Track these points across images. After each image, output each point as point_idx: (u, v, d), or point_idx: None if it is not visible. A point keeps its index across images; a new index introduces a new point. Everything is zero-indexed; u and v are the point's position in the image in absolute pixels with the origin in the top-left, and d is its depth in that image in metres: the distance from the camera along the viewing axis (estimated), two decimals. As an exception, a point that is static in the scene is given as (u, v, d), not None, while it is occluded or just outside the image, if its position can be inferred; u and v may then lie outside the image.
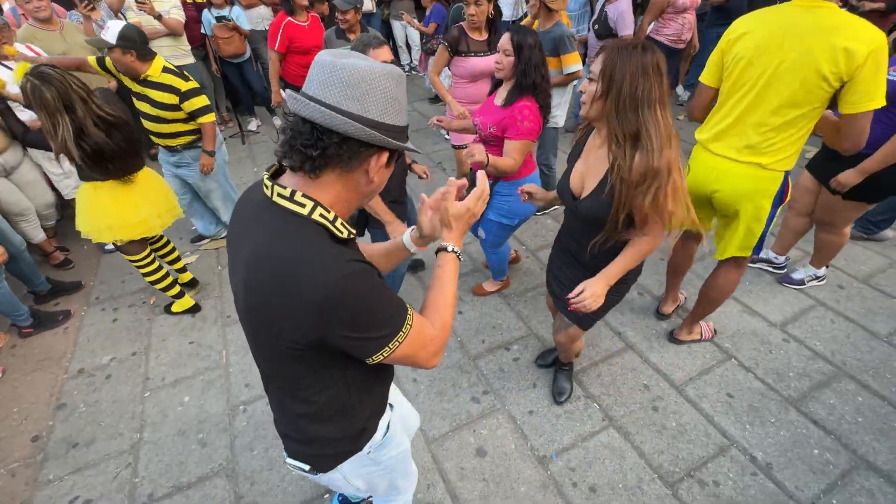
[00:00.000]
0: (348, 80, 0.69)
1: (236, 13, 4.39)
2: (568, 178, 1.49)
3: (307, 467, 1.01)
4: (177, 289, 2.62)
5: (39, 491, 1.86)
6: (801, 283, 2.59)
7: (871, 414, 1.96)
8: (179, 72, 2.49)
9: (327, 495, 1.80)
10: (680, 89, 5.21)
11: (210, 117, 2.56)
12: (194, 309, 2.69)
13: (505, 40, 1.86)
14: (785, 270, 2.70)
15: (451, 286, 0.93)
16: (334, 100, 0.70)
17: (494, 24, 2.66)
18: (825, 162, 2.22)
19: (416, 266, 2.87)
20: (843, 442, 1.86)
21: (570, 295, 1.43)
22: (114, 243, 2.34)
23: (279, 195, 0.75)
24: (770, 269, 2.72)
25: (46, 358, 2.45)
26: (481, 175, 0.96)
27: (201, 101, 2.49)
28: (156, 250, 2.59)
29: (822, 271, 2.57)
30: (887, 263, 2.76)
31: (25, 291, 2.75)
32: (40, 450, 2.01)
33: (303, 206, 0.74)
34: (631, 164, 1.21)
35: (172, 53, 4.16)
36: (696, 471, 1.80)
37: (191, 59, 4.33)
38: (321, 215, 0.75)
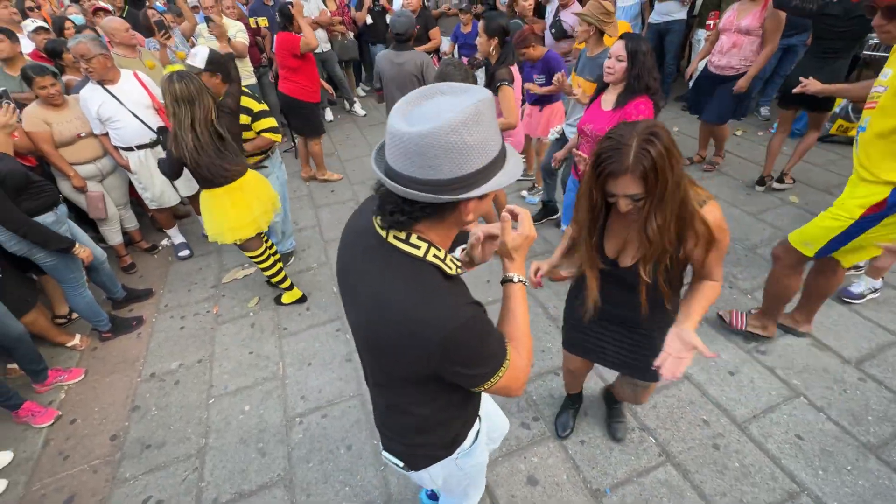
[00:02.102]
0: (417, 150, 0.68)
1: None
2: (602, 248, 1.36)
3: (402, 464, 1.12)
4: (288, 281, 2.87)
5: (117, 488, 2.01)
6: (862, 296, 2.51)
7: (965, 468, 1.79)
8: (252, 93, 2.67)
9: (380, 513, 1.84)
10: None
11: (274, 137, 2.73)
12: (303, 300, 2.94)
13: (619, 46, 1.96)
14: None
15: (525, 315, 0.97)
16: (407, 170, 0.71)
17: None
18: None
19: None
20: (932, 497, 1.71)
21: (658, 363, 1.21)
22: (234, 242, 2.55)
23: (395, 237, 0.80)
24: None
25: (122, 361, 2.66)
26: (512, 208, 0.99)
27: (269, 122, 2.69)
28: (261, 262, 2.78)
29: (879, 282, 2.50)
30: (981, 297, 2.52)
31: (104, 297, 2.99)
32: (118, 449, 2.18)
33: (418, 248, 0.80)
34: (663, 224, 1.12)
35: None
36: (762, 517, 1.70)
37: (253, 80, 4.61)
38: (434, 255, 0.81)
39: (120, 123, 2.86)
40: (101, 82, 2.83)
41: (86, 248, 2.42)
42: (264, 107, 2.68)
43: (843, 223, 1.84)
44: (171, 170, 2.33)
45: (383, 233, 0.82)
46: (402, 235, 0.80)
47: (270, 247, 2.85)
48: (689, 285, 1.36)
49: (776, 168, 3.62)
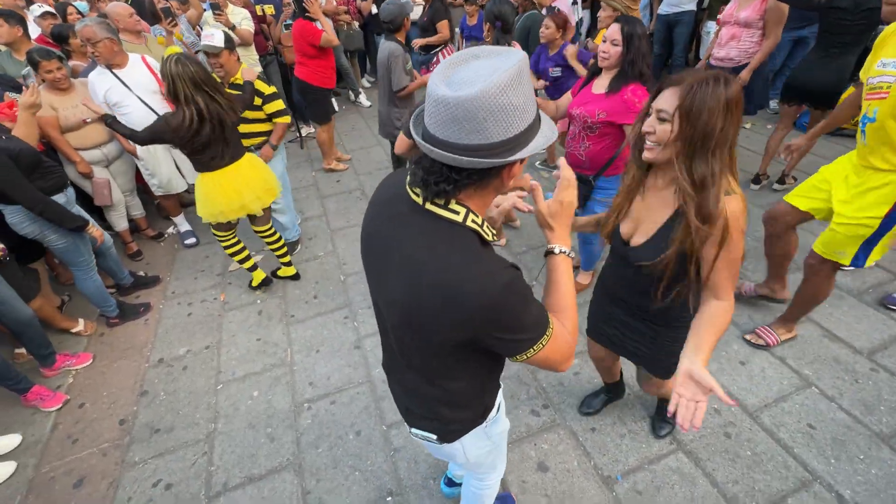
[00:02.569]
0: (464, 115, 0.67)
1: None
2: (618, 226, 1.34)
3: (434, 437, 1.10)
4: (252, 262, 2.87)
5: (127, 472, 2.01)
6: None
7: (978, 458, 1.78)
8: (262, 76, 2.67)
9: (390, 498, 1.83)
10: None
11: (286, 119, 2.76)
12: (266, 282, 2.96)
13: (614, 30, 1.88)
14: None
15: (571, 287, 0.94)
16: (453, 136, 0.69)
17: None
18: None
19: None
20: (945, 486, 1.70)
21: (671, 408, 1.06)
22: (212, 225, 2.60)
23: (434, 203, 0.78)
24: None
25: (130, 347, 2.65)
26: (563, 162, 0.96)
27: (279, 104, 2.71)
28: (265, 237, 2.85)
29: None
30: None
31: (110, 284, 2.99)
32: (127, 433, 2.18)
33: (457, 213, 0.78)
34: (698, 210, 1.09)
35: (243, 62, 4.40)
36: (774, 505, 1.70)
37: (258, 68, 4.57)
38: (473, 220, 0.79)
39: (127, 109, 2.85)
40: (109, 67, 2.81)
41: (98, 227, 2.41)
42: (274, 89, 2.69)
43: (873, 225, 1.81)
44: (148, 133, 2.26)
45: (419, 199, 0.80)
46: (441, 201, 0.78)
47: (278, 241, 2.87)
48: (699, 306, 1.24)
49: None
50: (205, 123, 2.19)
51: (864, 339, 2.29)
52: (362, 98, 6.05)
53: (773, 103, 4.76)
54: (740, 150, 4.14)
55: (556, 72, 3.03)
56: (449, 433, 1.09)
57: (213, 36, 2.44)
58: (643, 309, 1.42)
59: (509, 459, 1.91)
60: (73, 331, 2.71)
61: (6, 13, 3.07)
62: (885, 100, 1.63)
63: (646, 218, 1.27)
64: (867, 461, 1.80)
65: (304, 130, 5.41)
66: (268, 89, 2.66)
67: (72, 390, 2.41)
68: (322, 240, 3.47)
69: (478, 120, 0.67)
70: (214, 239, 3.32)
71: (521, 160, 0.75)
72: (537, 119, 0.76)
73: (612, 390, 2.06)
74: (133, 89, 2.84)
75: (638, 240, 1.29)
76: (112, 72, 2.81)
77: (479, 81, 0.66)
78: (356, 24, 5.70)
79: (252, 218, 2.71)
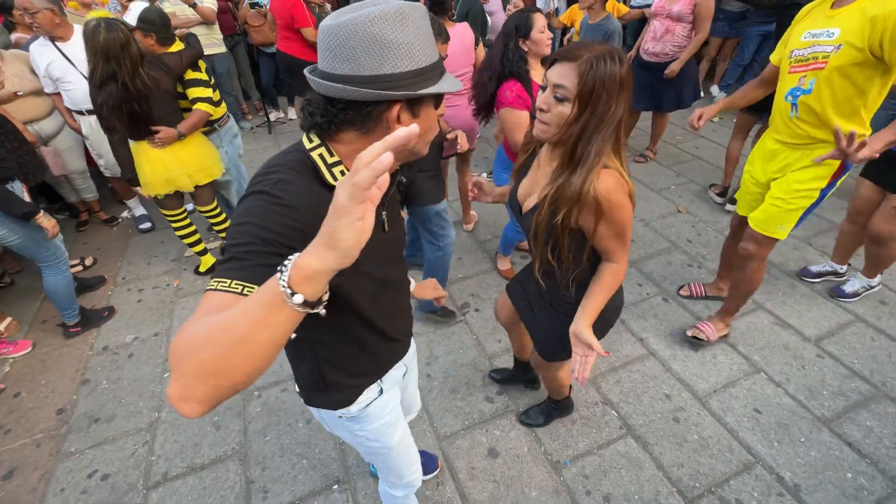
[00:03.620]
0: (335, 42, 0.66)
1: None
2: (516, 192, 1.32)
3: (297, 390, 1.05)
4: (202, 246, 2.82)
5: (61, 462, 1.92)
6: (856, 295, 2.45)
7: (912, 439, 1.83)
8: (205, 68, 2.52)
9: (336, 486, 1.79)
10: (715, 90, 5.06)
11: (204, 106, 2.46)
12: (213, 269, 2.85)
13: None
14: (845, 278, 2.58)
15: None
16: (329, 66, 0.69)
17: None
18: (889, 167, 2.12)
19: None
20: (879, 467, 1.75)
21: (572, 368, 1.20)
22: (154, 198, 2.51)
23: (308, 138, 0.78)
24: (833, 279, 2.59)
25: (75, 335, 2.53)
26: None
27: (202, 91, 2.45)
28: (207, 214, 2.80)
29: (875, 280, 2.44)
30: (936, 280, 2.59)
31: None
32: (64, 423, 2.08)
33: (311, 141, 0.76)
34: (565, 186, 1.05)
35: (206, 42, 4.22)
36: (717, 487, 1.72)
37: (222, 49, 4.40)
38: (320, 155, 0.75)
39: (70, 85, 2.69)
40: (52, 39, 2.65)
41: (50, 217, 2.19)
42: (197, 75, 2.44)
43: (812, 197, 1.81)
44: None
45: (306, 142, 0.77)
46: (316, 139, 0.75)
47: (217, 214, 2.83)
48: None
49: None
50: (114, 88, 2.10)
51: (812, 327, 2.34)
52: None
53: (715, 88, 4.98)
54: (707, 142, 4.20)
55: None
56: (301, 392, 1.04)
57: (130, 12, 2.33)
58: (538, 287, 1.40)
59: (459, 447, 1.89)
60: None
61: None
62: (822, 70, 1.59)
63: (534, 189, 1.22)
64: (808, 444, 1.84)
65: (273, 115, 5.27)
66: (192, 74, 2.43)
67: (7, 379, 2.29)
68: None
69: (349, 48, 0.66)
70: (170, 224, 3.20)
71: (412, 107, 0.72)
72: (435, 70, 0.73)
73: (521, 369, 2.05)
74: (77, 65, 2.68)
75: (527, 206, 1.24)
76: (55, 44, 2.65)
77: (356, 11, 0.66)
78: (328, 6, 5.55)
79: (194, 196, 2.64)
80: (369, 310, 0.90)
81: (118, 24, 2.06)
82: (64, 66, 2.65)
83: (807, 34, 1.64)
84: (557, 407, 1.93)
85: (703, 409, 1.99)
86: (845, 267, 2.57)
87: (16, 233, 2.12)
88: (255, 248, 0.63)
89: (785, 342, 2.27)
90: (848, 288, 2.46)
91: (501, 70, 1.91)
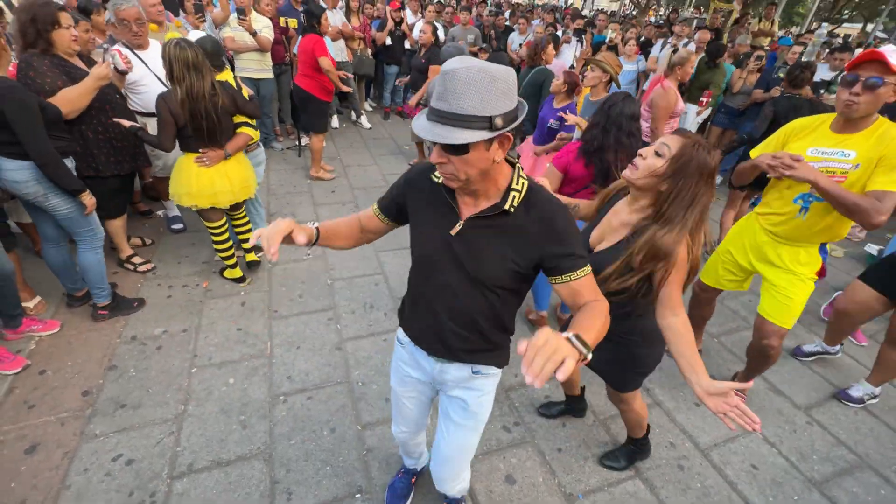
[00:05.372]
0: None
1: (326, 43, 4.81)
2: (589, 232, 1.54)
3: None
4: (234, 260, 2.93)
5: (86, 443, 1.93)
6: (861, 401, 2.46)
7: (893, 508, 1.99)
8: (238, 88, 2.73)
9: (359, 495, 1.85)
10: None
11: (248, 130, 2.73)
12: (241, 280, 2.98)
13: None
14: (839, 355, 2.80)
15: None
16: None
17: None
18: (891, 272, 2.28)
19: None
20: (865, 531, 1.89)
21: (730, 425, 1.11)
22: (198, 211, 2.64)
23: None
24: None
25: (102, 321, 2.58)
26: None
27: (244, 117, 2.72)
28: (233, 219, 2.93)
29: (878, 389, 2.47)
30: (910, 367, 2.84)
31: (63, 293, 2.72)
32: (89, 405, 2.10)
33: None
34: (659, 241, 1.28)
35: (258, 67, 4.57)
36: (719, 534, 1.83)
37: (270, 75, 4.74)
38: None
39: (145, 88, 2.91)
40: (130, 47, 2.89)
41: (91, 196, 2.32)
42: (246, 94, 2.75)
43: (810, 289, 2.07)
44: (161, 132, 2.39)
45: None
46: None
47: (245, 223, 2.99)
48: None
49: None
50: (197, 102, 2.33)
51: (802, 396, 2.54)
52: (363, 120, 6.28)
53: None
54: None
55: (554, 123, 3.32)
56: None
57: (190, 36, 2.58)
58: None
59: (479, 470, 1.98)
60: (24, 304, 2.47)
61: None
62: (842, 182, 1.81)
63: (610, 233, 1.47)
64: (800, 502, 1.98)
65: (305, 140, 5.54)
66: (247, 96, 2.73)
67: (33, 356, 2.31)
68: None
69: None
70: (202, 228, 3.33)
71: None
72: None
73: (571, 403, 2.21)
74: (153, 70, 2.92)
75: (601, 247, 1.47)
76: (134, 52, 2.89)
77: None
78: (369, 51, 6.01)
79: (201, 213, 2.72)
80: (413, 271, 1.24)
81: (192, 44, 2.32)
82: (143, 70, 2.88)
83: (814, 150, 1.90)
84: (638, 448, 2.03)
85: (705, 460, 2.12)
86: (837, 347, 2.79)
87: (67, 203, 2.27)
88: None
89: (778, 407, 2.45)
90: (854, 393, 2.49)
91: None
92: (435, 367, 1.30)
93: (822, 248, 2.06)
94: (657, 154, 1.30)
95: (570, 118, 2.84)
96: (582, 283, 1.04)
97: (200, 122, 2.39)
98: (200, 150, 2.52)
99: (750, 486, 2.03)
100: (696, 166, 1.25)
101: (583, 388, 2.24)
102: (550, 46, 3.93)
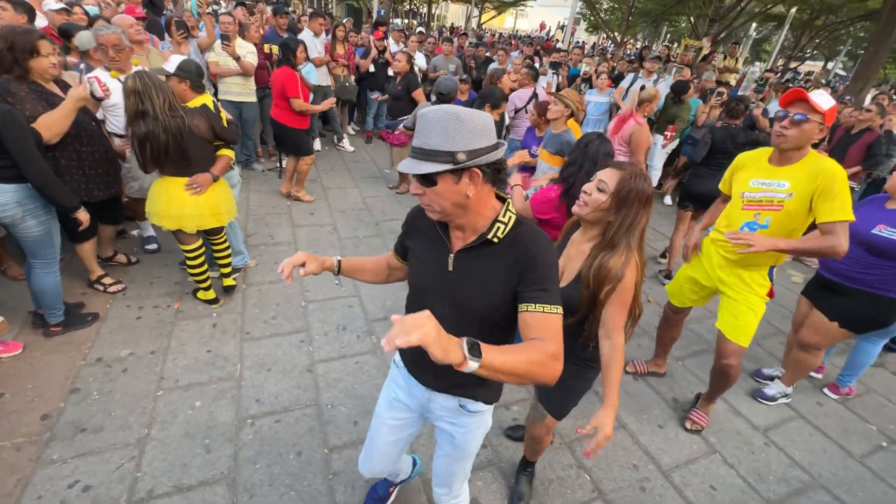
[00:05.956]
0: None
1: (308, 69, 4.93)
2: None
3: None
4: (208, 282, 2.92)
5: (41, 469, 1.89)
6: (774, 399, 2.74)
7: (843, 527, 2.06)
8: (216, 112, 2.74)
9: (322, 520, 1.84)
10: (668, 199, 5.97)
11: (229, 152, 2.77)
12: (214, 301, 2.97)
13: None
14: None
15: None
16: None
17: None
18: (820, 289, 2.53)
19: None
20: (816, 550, 1.95)
21: (584, 431, 1.33)
22: (173, 233, 2.65)
23: None
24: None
25: (67, 342, 2.54)
26: None
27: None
28: (213, 242, 2.91)
29: (790, 389, 2.75)
30: (863, 389, 2.97)
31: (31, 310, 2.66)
32: (48, 429, 2.05)
33: None
34: (607, 265, 1.40)
35: (240, 90, 4.66)
36: (677, 555, 1.87)
37: (253, 98, 4.84)
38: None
39: (121, 111, 2.94)
40: (109, 70, 2.94)
41: (85, 212, 2.32)
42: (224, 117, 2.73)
43: (762, 309, 2.20)
44: (141, 158, 2.42)
45: None
46: None
47: (225, 249, 2.97)
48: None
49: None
50: (138, 126, 2.33)
51: (760, 418, 2.63)
52: (345, 143, 6.39)
53: (668, 198, 5.90)
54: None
55: (535, 151, 3.46)
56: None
57: (170, 61, 2.59)
58: None
59: (444, 492, 1.99)
60: None
61: (15, 0, 3.15)
62: (779, 211, 1.99)
63: (568, 267, 1.56)
64: (756, 522, 2.04)
65: (286, 162, 5.59)
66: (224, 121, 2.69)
67: (-8, 379, 2.26)
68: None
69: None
70: (176, 248, 3.32)
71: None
72: None
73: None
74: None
75: (565, 281, 1.56)
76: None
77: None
78: (352, 77, 6.17)
79: (177, 236, 2.73)
80: (410, 298, 1.29)
81: (148, 73, 2.34)
82: (121, 94, 2.91)
83: (755, 181, 2.06)
84: (533, 472, 2.07)
85: (667, 482, 2.18)
86: (791, 388, 2.88)
87: (43, 226, 2.26)
88: None
89: (737, 428, 2.53)
90: (769, 391, 2.76)
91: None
92: (424, 395, 1.35)
93: (771, 272, 2.19)
94: (599, 190, 1.43)
95: (517, 156, 3.05)
96: (536, 318, 1.00)
97: (146, 146, 2.37)
98: (184, 176, 2.54)
99: (709, 506, 2.08)
100: (635, 195, 1.39)
101: None
102: (506, 76, 4.57)
